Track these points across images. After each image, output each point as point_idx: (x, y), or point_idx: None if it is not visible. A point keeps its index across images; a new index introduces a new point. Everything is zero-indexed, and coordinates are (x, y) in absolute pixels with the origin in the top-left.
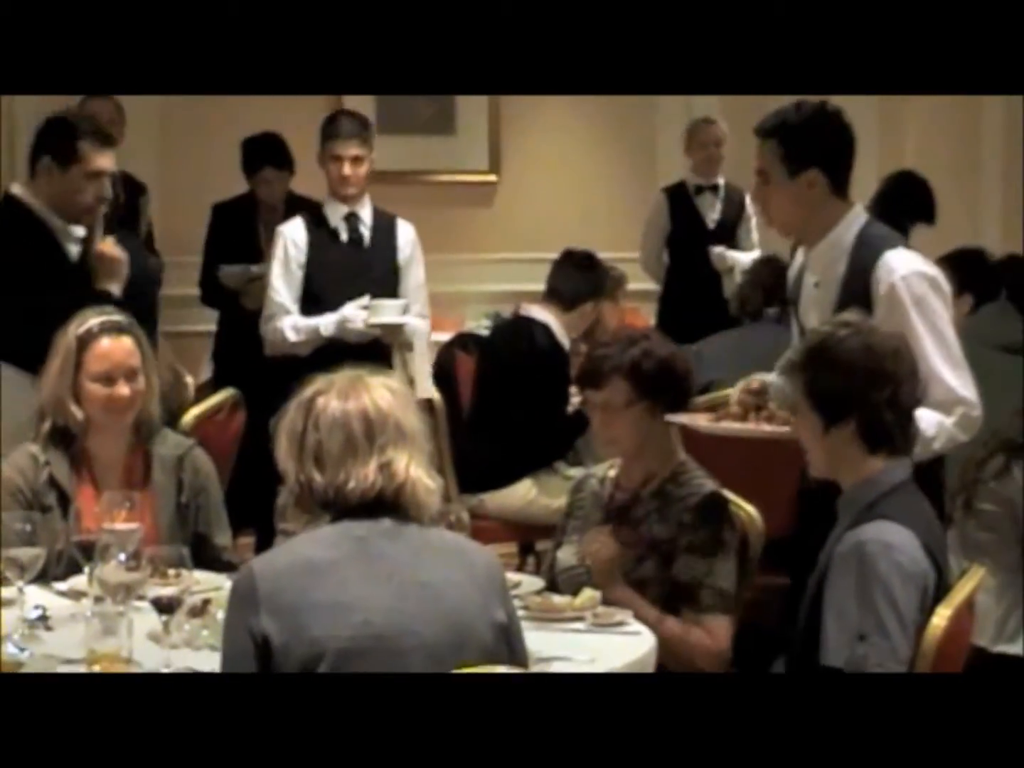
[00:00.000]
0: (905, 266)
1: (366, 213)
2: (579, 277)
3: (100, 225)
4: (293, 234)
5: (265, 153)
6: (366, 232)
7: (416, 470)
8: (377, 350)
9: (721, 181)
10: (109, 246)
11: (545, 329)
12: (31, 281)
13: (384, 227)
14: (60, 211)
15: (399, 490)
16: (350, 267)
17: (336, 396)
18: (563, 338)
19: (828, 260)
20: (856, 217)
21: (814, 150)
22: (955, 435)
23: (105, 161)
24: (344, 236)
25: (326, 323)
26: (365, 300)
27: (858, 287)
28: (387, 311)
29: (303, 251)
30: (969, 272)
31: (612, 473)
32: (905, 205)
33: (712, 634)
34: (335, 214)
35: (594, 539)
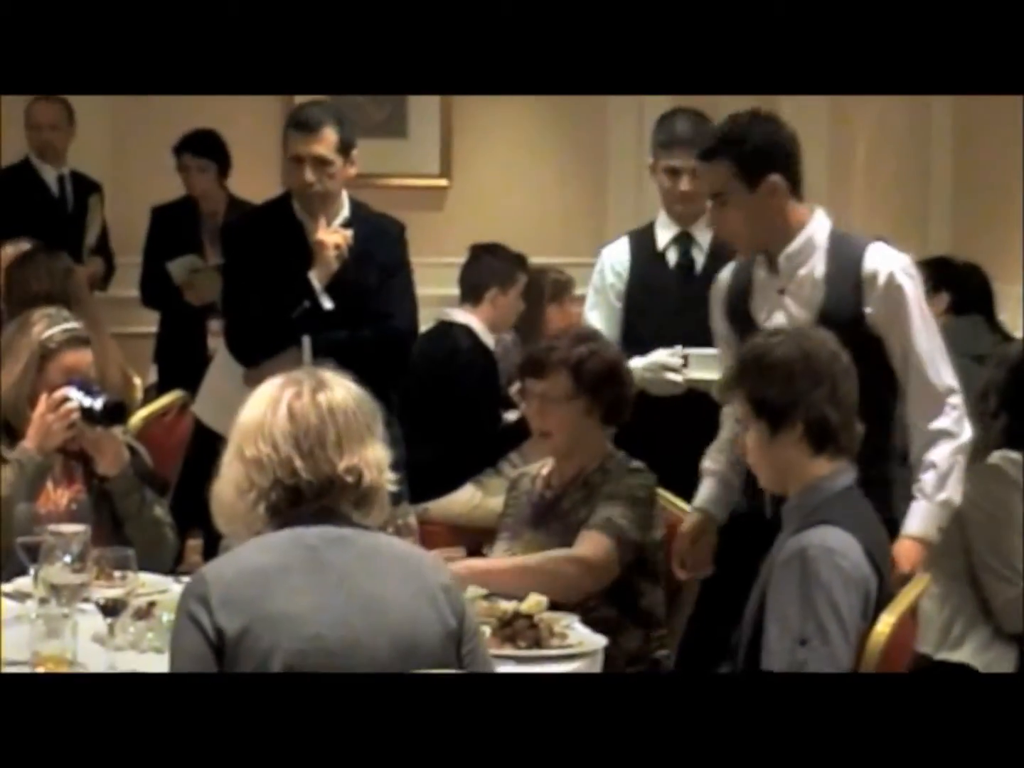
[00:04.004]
0: (895, 257)
1: (703, 234)
2: (477, 267)
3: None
4: (614, 256)
5: (186, 142)
6: (700, 257)
7: (384, 471)
8: (695, 401)
9: None
10: (327, 233)
11: (466, 330)
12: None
13: (726, 251)
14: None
15: (372, 487)
16: (676, 299)
17: (321, 389)
18: (486, 337)
19: (799, 261)
20: (823, 219)
21: (767, 156)
22: (962, 440)
23: (298, 147)
24: (673, 261)
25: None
26: (679, 348)
27: (846, 284)
28: (706, 364)
29: (623, 278)
30: (949, 274)
31: (545, 471)
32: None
33: (581, 544)
34: (665, 234)
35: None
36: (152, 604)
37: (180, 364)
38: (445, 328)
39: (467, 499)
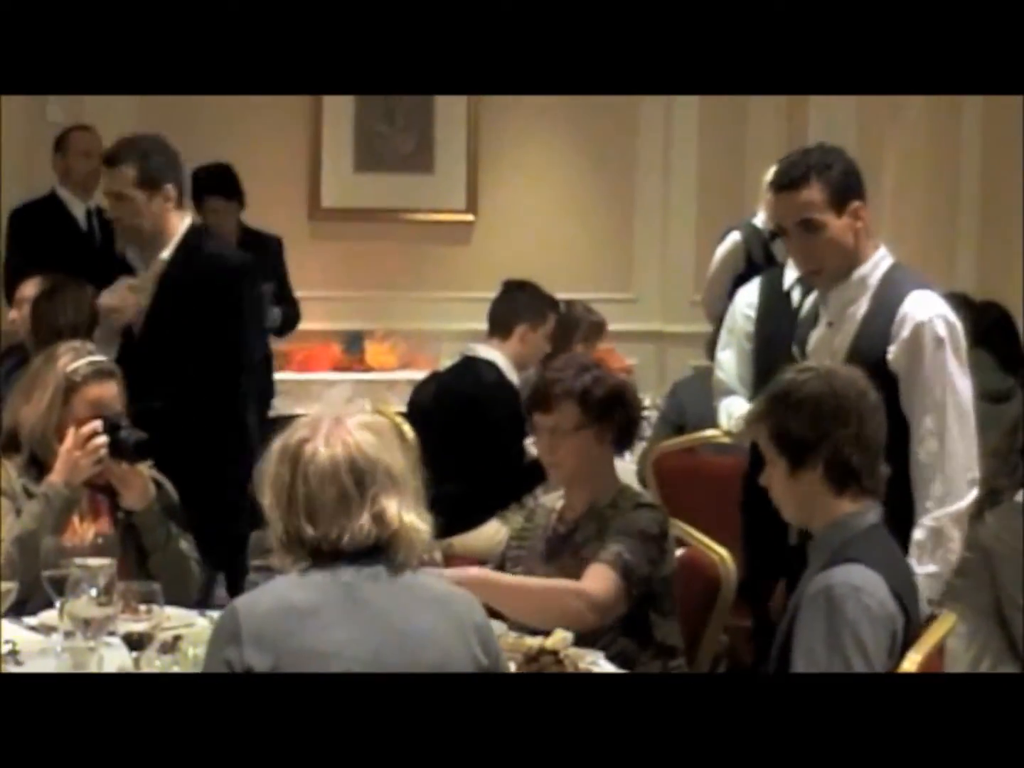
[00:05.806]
0: (933, 309)
1: None
2: (509, 302)
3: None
4: (746, 298)
5: (212, 183)
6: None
7: (408, 515)
8: None
9: None
10: (108, 295)
11: (491, 366)
12: None
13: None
14: None
15: (392, 537)
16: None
17: (322, 443)
18: (510, 373)
19: (848, 298)
20: (883, 258)
21: (851, 181)
22: (952, 510)
23: (103, 181)
24: (796, 300)
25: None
26: None
27: (879, 325)
28: None
29: (752, 319)
30: (964, 311)
31: (559, 505)
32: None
33: (588, 578)
34: (792, 273)
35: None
36: (178, 638)
37: None
38: (470, 363)
39: (492, 534)
